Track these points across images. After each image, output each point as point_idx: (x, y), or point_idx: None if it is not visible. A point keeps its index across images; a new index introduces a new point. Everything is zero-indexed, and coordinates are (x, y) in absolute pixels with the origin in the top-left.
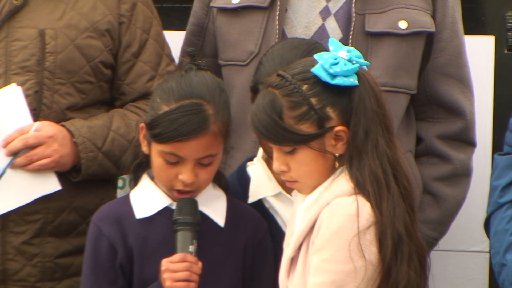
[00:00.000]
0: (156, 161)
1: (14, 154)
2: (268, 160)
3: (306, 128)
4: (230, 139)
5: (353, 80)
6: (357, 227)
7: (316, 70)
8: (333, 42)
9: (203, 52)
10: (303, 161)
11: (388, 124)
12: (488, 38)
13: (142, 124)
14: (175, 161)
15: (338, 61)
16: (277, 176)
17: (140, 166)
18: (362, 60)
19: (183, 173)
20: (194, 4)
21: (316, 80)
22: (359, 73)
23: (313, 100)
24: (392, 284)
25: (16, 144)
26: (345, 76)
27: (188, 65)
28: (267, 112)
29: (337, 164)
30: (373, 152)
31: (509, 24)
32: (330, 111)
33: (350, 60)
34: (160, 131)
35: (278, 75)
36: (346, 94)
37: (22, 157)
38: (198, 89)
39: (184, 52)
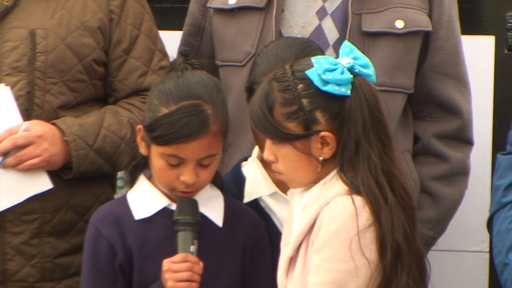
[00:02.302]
0: (157, 163)
1: (4, 154)
2: (263, 159)
3: (292, 127)
4: (228, 137)
5: (344, 90)
6: (360, 226)
7: (310, 73)
8: (345, 46)
9: (200, 52)
10: (288, 157)
11: (383, 137)
12: (488, 38)
13: (140, 126)
14: (177, 163)
15: (336, 67)
16: (272, 175)
17: (137, 167)
18: (365, 70)
19: (184, 174)
20: (190, 4)
21: (312, 81)
22: (355, 83)
23: (304, 101)
24: None
25: (5, 144)
26: (338, 85)
27: (182, 65)
28: (260, 104)
29: (319, 168)
30: (364, 165)
31: (509, 24)
32: (319, 115)
33: (351, 68)
34: (161, 133)
35: (284, 68)
36: (339, 101)
37: (12, 157)
38: (196, 90)
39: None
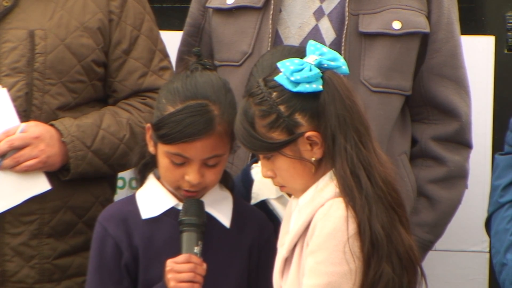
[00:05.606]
0: (162, 161)
1: (1, 156)
2: None
3: (277, 135)
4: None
5: (316, 86)
6: (351, 229)
7: (279, 78)
8: (310, 45)
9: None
10: (282, 167)
11: (359, 126)
12: (488, 38)
13: (149, 125)
14: (181, 162)
15: (302, 67)
16: None
17: (146, 166)
18: (334, 63)
19: (189, 173)
20: (191, 5)
21: (283, 86)
22: (325, 78)
23: (281, 108)
24: (370, 283)
25: (2, 146)
26: (308, 83)
27: (194, 65)
28: (241, 122)
29: (313, 169)
30: (341, 156)
31: (509, 24)
32: (299, 118)
33: (319, 64)
34: (166, 132)
35: (257, 82)
36: (314, 99)
37: (9, 159)
38: (204, 90)
39: (181, 53)
